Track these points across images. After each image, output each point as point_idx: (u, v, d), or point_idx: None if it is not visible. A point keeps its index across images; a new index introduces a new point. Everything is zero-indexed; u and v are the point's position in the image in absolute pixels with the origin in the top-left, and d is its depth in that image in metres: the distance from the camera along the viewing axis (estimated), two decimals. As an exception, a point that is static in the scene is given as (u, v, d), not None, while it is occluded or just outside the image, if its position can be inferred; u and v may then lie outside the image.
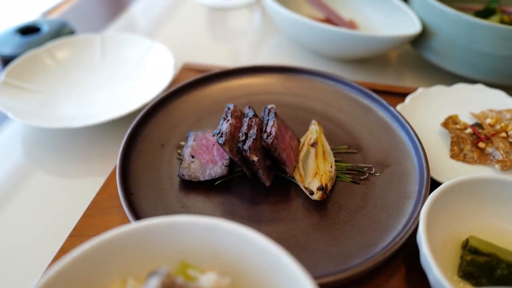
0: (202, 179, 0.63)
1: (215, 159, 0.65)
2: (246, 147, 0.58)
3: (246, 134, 0.61)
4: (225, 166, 0.63)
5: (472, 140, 0.71)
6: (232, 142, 0.60)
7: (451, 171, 0.66)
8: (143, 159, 0.66)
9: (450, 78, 0.94)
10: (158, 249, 0.43)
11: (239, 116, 0.66)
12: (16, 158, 0.77)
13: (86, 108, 0.84)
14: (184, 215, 0.43)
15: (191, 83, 0.79)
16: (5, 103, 0.79)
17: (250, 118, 0.64)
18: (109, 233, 0.41)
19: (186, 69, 0.93)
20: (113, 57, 0.98)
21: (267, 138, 0.60)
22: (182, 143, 0.70)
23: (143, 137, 0.69)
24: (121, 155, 0.64)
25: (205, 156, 0.65)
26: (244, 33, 1.23)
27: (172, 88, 0.77)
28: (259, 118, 0.66)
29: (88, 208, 0.62)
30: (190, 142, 0.67)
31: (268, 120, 0.64)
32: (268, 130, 0.61)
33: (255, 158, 0.58)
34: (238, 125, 0.64)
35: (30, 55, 0.92)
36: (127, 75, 0.94)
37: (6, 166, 0.75)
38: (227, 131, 0.61)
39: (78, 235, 0.58)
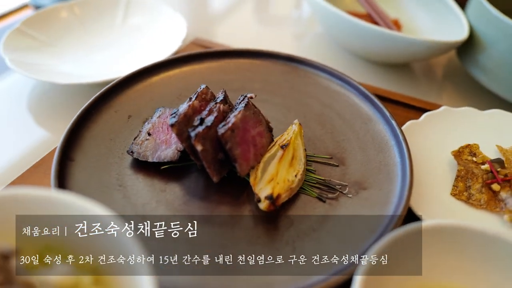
0: (150, 160, 0.57)
1: (171, 141, 0.58)
2: (193, 133, 0.51)
3: (202, 119, 0.53)
4: (178, 151, 0.57)
5: (485, 179, 0.56)
6: (185, 125, 0.54)
7: (445, 212, 0.54)
8: (102, 127, 0.61)
9: (489, 100, 0.78)
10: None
11: (207, 99, 0.59)
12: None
13: (83, 68, 0.82)
14: (65, 194, 0.38)
15: (182, 58, 0.73)
16: (11, 51, 0.79)
17: (216, 103, 0.57)
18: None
19: (194, 44, 0.87)
20: (132, 22, 0.96)
21: (221, 128, 0.52)
22: (152, 118, 0.65)
23: (110, 105, 0.64)
24: (77, 117, 0.59)
25: (161, 136, 0.59)
26: (284, 20, 1.14)
27: (159, 60, 0.71)
28: (229, 105, 0.59)
29: (34, 166, 0.60)
30: (154, 118, 0.62)
31: (236, 109, 0.56)
32: (228, 119, 0.53)
33: (200, 148, 0.51)
34: (202, 108, 0.57)
35: (53, 7, 0.92)
36: (134, 41, 0.90)
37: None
38: (183, 112, 0.54)
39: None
